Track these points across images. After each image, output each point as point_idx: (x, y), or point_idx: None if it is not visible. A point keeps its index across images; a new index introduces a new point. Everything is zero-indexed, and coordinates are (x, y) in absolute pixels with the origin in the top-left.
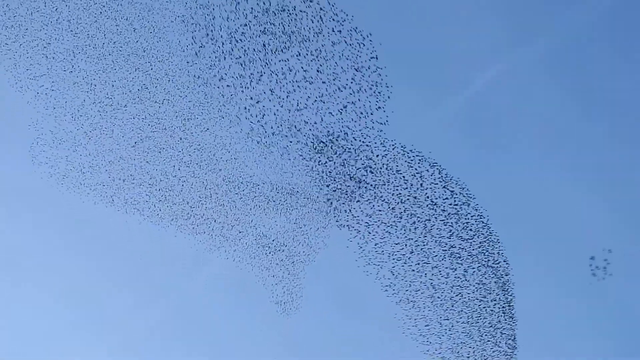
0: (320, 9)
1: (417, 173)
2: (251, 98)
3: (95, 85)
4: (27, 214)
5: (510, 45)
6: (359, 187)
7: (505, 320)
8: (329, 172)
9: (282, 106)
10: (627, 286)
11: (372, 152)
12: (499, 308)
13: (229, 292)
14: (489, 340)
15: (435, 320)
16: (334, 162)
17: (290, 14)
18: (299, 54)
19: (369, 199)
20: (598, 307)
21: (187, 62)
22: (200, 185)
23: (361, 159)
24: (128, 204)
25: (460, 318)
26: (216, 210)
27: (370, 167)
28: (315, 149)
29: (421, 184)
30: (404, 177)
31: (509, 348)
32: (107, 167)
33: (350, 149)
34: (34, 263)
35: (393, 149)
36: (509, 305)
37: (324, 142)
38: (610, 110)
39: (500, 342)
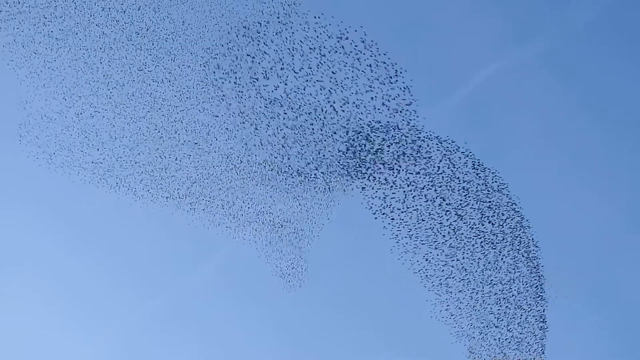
0: (354, 45)
1: (450, 162)
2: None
3: (94, 64)
4: (26, 209)
5: (510, 44)
6: (393, 175)
7: (536, 301)
8: (363, 160)
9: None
10: (627, 286)
11: (405, 141)
12: (530, 290)
13: (228, 287)
14: (518, 323)
15: (466, 303)
16: (368, 151)
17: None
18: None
19: (401, 186)
20: (598, 306)
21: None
22: (198, 165)
23: (394, 148)
24: (120, 183)
25: (491, 300)
26: (214, 188)
27: (404, 154)
28: (350, 141)
29: (453, 172)
30: (438, 166)
31: (539, 329)
32: (100, 146)
33: (384, 138)
34: (32, 258)
35: (428, 138)
36: (539, 288)
37: (358, 132)
38: (610, 107)
39: (530, 322)
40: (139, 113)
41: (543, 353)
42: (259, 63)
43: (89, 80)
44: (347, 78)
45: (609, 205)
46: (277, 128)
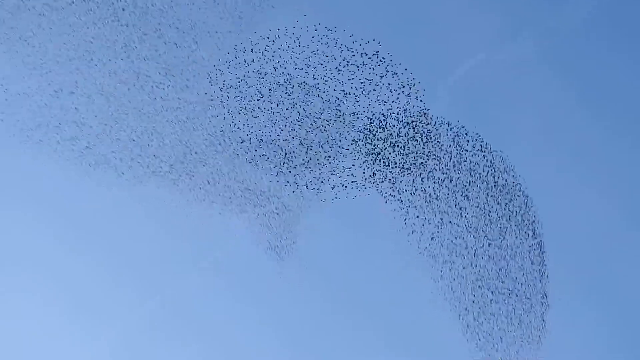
0: (369, 57)
1: (458, 145)
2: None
3: (77, 41)
4: (23, 207)
5: (508, 39)
6: (403, 159)
7: (537, 278)
8: (375, 146)
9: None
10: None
11: (416, 126)
12: (532, 266)
13: (228, 286)
14: (520, 300)
15: (468, 279)
16: (379, 139)
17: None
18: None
19: (411, 169)
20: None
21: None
22: (181, 142)
23: (405, 132)
24: (98, 160)
25: (492, 274)
26: (196, 165)
27: (414, 139)
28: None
29: (461, 154)
30: (447, 149)
31: (540, 305)
32: (79, 123)
33: (394, 127)
34: (28, 257)
35: (438, 124)
36: (542, 265)
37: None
38: (609, 104)
39: (531, 299)
40: (121, 90)
41: (544, 328)
42: (263, 78)
43: (71, 58)
44: (357, 89)
45: (608, 202)
46: (282, 140)
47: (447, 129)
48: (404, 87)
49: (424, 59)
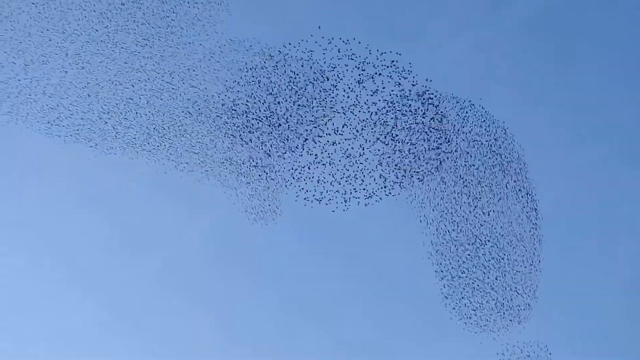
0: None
1: (463, 118)
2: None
3: (50, 12)
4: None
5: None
6: (411, 135)
7: (531, 244)
8: (385, 125)
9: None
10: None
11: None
12: (526, 233)
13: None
14: (511, 267)
15: (460, 244)
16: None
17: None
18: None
19: (417, 144)
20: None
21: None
22: (156, 113)
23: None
24: (74, 133)
25: (484, 241)
26: (176, 135)
27: (423, 115)
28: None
29: (463, 127)
30: (452, 123)
31: (531, 269)
32: (51, 94)
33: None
34: (20, 218)
35: (445, 99)
36: (534, 228)
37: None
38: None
39: (524, 260)
40: (95, 61)
41: (534, 296)
42: (272, 94)
43: (44, 28)
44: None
45: (603, 177)
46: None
47: (453, 104)
48: (422, 98)
49: (409, 45)
